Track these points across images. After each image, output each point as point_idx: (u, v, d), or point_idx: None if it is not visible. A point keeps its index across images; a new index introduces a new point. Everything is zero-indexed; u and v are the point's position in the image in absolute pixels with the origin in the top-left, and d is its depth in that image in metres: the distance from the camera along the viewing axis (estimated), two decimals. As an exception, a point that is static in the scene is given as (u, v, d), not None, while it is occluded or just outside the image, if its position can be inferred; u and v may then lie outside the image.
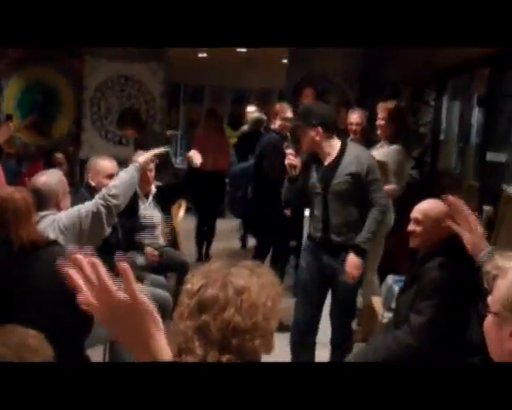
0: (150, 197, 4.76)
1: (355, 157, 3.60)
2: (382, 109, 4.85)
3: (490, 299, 1.40)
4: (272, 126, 5.47)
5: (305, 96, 5.55)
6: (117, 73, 7.03)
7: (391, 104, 4.91)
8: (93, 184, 3.79)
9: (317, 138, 3.58)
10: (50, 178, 3.20)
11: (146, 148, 4.12)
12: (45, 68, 6.96)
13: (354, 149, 3.69)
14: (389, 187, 4.64)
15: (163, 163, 5.43)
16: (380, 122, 4.85)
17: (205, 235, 6.87)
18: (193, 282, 1.43)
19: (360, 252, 3.58)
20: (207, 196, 6.58)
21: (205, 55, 10.19)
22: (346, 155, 3.61)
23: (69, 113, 7.07)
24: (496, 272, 1.40)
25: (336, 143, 3.66)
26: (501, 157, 4.72)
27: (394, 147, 4.77)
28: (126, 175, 3.36)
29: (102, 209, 3.15)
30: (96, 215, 3.14)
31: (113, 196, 3.21)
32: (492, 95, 4.77)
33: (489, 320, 1.39)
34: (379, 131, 4.89)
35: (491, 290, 1.41)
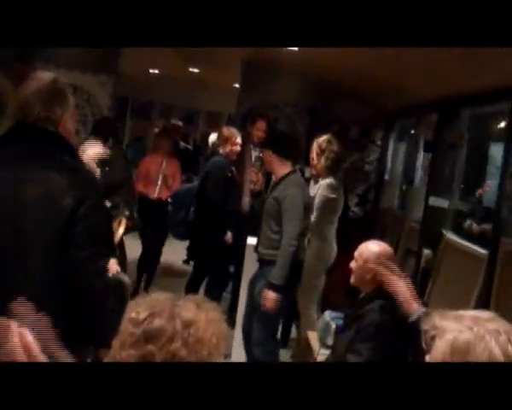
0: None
1: (284, 184, 4.05)
2: (315, 145, 4.92)
3: (428, 358, 1.43)
4: (221, 151, 5.45)
5: (257, 128, 5.58)
6: (66, 81, 6.84)
7: (322, 139, 4.93)
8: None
9: (269, 159, 4.17)
10: None
11: None
12: (-9, 70, 6.73)
13: (292, 179, 4.09)
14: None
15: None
16: (311, 156, 4.92)
17: (146, 267, 6.38)
18: (138, 311, 1.38)
19: (273, 287, 3.88)
20: (152, 225, 6.07)
21: (156, 71, 10.12)
22: (284, 181, 4.07)
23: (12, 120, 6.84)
24: (434, 332, 1.41)
25: (285, 169, 4.10)
26: (443, 203, 4.84)
27: (325, 180, 4.84)
28: None
29: None
30: None
31: None
32: (438, 141, 4.90)
33: None
34: (311, 165, 4.97)
35: (429, 350, 1.43)
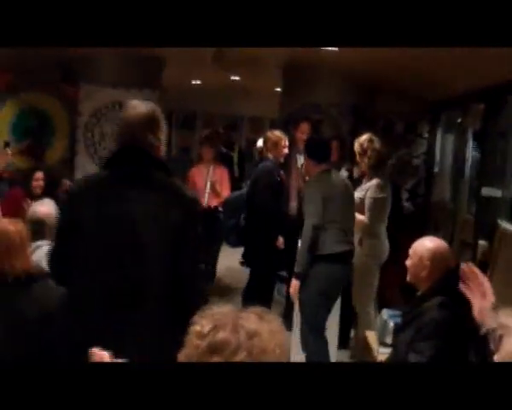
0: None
1: (308, 183, 4.50)
2: (356, 145, 4.91)
3: (496, 358, 1.40)
4: (269, 155, 5.47)
5: (301, 130, 5.58)
6: (112, 99, 7.03)
7: (362, 139, 4.91)
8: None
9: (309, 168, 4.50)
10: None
11: None
12: (39, 94, 6.98)
13: (317, 177, 4.40)
14: (360, 217, 4.72)
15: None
16: (356, 158, 4.92)
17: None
18: (202, 324, 1.41)
19: (295, 275, 4.28)
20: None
21: (198, 81, 10.24)
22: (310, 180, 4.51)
23: (63, 138, 7.07)
24: (502, 332, 1.38)
25: (317, 170, 4.42)
26: (496, 192, 4.75)
27: (373, 181, 4.82)
28: None
29: None
30: None
31: None
32: (487, 131, 4.82)
33: None
34: (358, 166, 4.96)
35: (497, 349, 1.40)
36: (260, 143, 8.82)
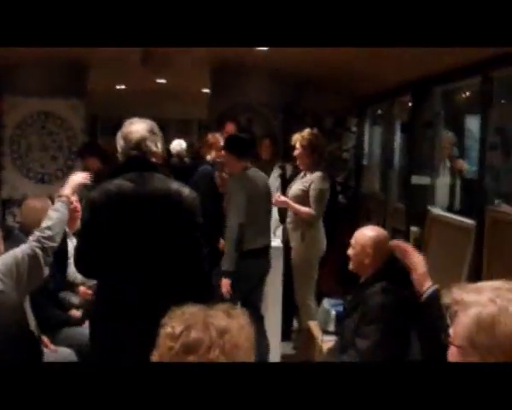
0: (78, 235, 4.66)
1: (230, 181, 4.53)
2: (298, 139, 4.96)
3: (452, 331, 1.47)
4: (208, 157, 5.48)
5: (225, 130, 5.62)
6: (37, 109, 6.85)
7: (306, 133, 4.99)
8: (30, 225, 3.70)
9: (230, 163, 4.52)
10: None
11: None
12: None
13: (238, 175, 4.45)
14: (305, 210, 4.82)
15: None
16: (297, 152, 4.96)
17: None
18: (173, 325, 1.44)
19: (223, 273, 4.36)
20: None
21: (123, 86, 10.10)
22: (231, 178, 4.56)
23: (-13, 151, 6.82)
24: (456, 307, 1.45)
25: (239, 167, 4.47)
26: (425, 180, 4.96)
27: (316, 174, 4.91)
28: (57, 213, 3.23)
29: (39, 252, 3.05)
30: (32, 258, 3.03)
31: (49, 238, 3.10)
32: (414, 122, 5.01)
33: (453, 352, 1.46)
34: (298, 161, 5.01)
35: (452, 323, 1.47)
36: (176, 145, 8.80)
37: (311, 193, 4.84)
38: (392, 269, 3.04)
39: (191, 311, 1.48)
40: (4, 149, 6.81)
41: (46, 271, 3.12)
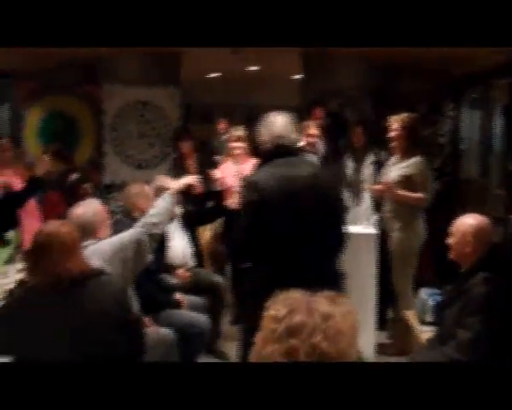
0: (176, 219, 4.81)
1: None
2: (395, 122, 4.82)
3: None
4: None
5: (314, 116, 5.57)
6: (135, 98, 7.11)
7: (404, 117, 4.85)
8: (131, 210, 3.90)
9: None
10: (86, 209, 3.25)
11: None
12: (64, 96, 7.06)
13: None
14: (416, 195, 4.68)
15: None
16: (393, 135, 4.81)
17: None
18: (277, 308, 1.47)
19: None
20: None
21: (216, 74, 10.27)
22: None
23: (90, 139, 7.16)
24: None
25: None
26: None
27: (417, 158, 4.77)
28: (164, 203, 3.41)
29: (145, 237, 3.20)
30: (138, 243, 3.19)
31: (154, 225, 3.26)
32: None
33: None
34: (393, 145, 4.86)
35: None
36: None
37: (418, 178, 4.68)
38: (494, 258, 2.96)
39: (295, 296, 1.50)
40: (105, 136, 7.12)
41: (150, 256, 3.27)
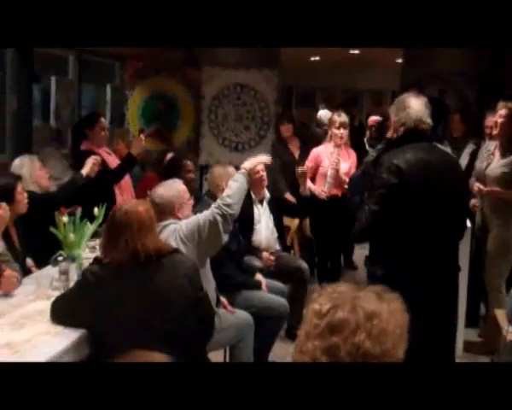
0: (265, 202, 4.84)
1: None
2: (504, 108, 4.52)
3: None
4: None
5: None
6: (233, 81, 7.20)
7: (506, 110, 4.51)
8: (215, 191, 3.98)
9: None
10: (165, 190, 3.35)
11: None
12: (165, 78, 7.28)
13: None
14: None
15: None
16: (500, 121, 4.51)
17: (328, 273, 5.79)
18: (320, 302, 1.43)
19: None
20: (327, 223, 5.51)
21: (317, 58, 10.21)
22: None
23: (188, 120, 7.35)
24: None
25: None
26: None
27: None
28: (236, 183, 3.43)
29: (219, 218, 3.26)
30: (213, 224, 3.25)
31: (228, 206, 3.30)
32: None
33: None
34: (497, 131, 4.54)
35: None
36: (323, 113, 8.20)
37: None
38: None
39: (341, 290, 1.45)
40: (203, 119, 7.28)
41: (225, 237, 3.32)
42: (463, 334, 4.67)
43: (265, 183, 4.84)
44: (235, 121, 7.27)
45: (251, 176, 5.00)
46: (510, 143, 4.53)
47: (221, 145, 7.31)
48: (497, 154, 4.62)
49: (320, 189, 5.41)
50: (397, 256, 3.01)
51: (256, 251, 4.73)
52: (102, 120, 4.95)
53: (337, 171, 5.35)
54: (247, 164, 3.55)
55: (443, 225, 3.07)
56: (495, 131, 4.59)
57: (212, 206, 3.33)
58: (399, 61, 7.85)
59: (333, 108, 9.79)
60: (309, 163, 5.36)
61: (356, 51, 9.00)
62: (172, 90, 7.30)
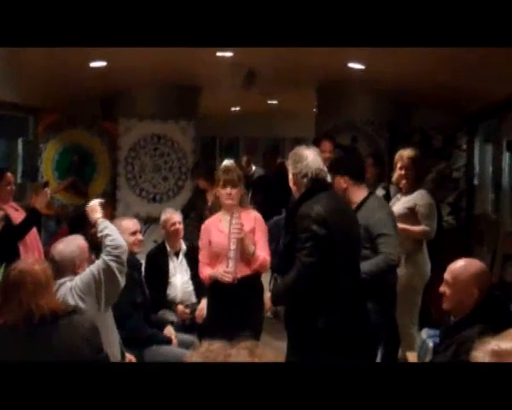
0: (181, 255, 4.78)
1: (369, 209, 3.86)
2: (402, 157, 4.74)
3: None
4: None
5: (322, 149, 5.50)
6: (150, 132, 7.18)
7: (411, 152, 4.77)
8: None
9: (344, 186, 3.94)
10: (66, 246, 3.25)
11: None
12: (80, 131, 7.17)
13: (373, 202, 3.95)
14: (418, 228, 4.57)
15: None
16: (400, 171, 4.72)
17: None
18: (195, 360, 1.41)
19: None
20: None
21: (238, 108, 10.36)
22: (364, 205, 3.90)
23: (105, 173, 7.24)
24: (492, 359, 1.34)
25: (362, 193, 3.97)
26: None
27: (420, 191, 4.68)
28: (109, 227, 3.36)
29: (111, 262, 3.18)
30: (107, 270, 3.17)
31: (115, 247, 3.22)
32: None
33: None
34: (399, 179, 4.75)
35: None
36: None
37: (421, 210, 4.58)
38: (491, 310, 2.70)
39: (214, 347, 1.43)
40: (120, 170, 7.19)
41: (122, 281, 3.23)
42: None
43: (181, 235, 4.79)
44: (153, 172, 7.22)
45: (166, 228, 4.98)
46: (411, 185, 4.71)
47: (138, 196, 7.22)
48: (402, 194, 4.80)
49: (222, 270, 3.84)
50: (336, 301, 3.22)
51: (171, 305, 4.65)
52: (8, 174, 4.80)
53: (242, 241, 3.83)
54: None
55: (356, 270, 3.37)
56: (398, 179, 4.78)
57: (101, 255, 3.25)
58: (314, 110, 8.07)
59: (255, 156, 9.97)
60: (201, 244, 4.03)
61: (274, 102, 9.19)
62: (87, 143, 7.19)
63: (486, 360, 1.38)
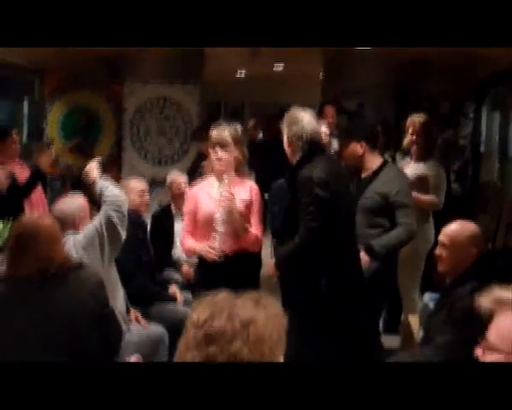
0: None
1: (389, 178, 3.76)
2: (414, 122, 4.72)
3: (492, 334, 1.37)
4: None
5: (325, 115, 5.45)
6: (155, 95, 7.14)
7: (424, 117, 4.75)
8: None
9: (361, 152, 3.82)
10: (66, 204, 3.30)
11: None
12: (87, 92, 7.13)
13: (392, 171, 3.88)
14: (427, 198, 4.56)
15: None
16: (412, 136, 4.70)
17: None
18: (198, 312, 1.41)
19: (370, 250, 3.64)
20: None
21: (243, 74, 10.26)
22: (382, 173, 3.79)
23: (110, 135, 7.22)
24: (494, 307, 1.34)
25: (377, 160, 3.88)
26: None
27: (432, 161, 4.67)
28: (106, 180, 3.39)
29: (112, 213, 3.20)
30: (108, 223, 3.19)
31: (113, 198, 3.24)
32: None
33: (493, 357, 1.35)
34: (411, 144, 4.74)
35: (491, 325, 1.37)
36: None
37: (432, 180, 4.56)
38: (484, 268, 2.78)
39: (218, 298, 1.43)
40: (125, 133, 7.17)
41: (123, 234, 3.25)
42: (384, 340, 4.73)
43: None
44: (158, 135, 7.20)
45: (172, 190, 4.99)
46: (422, 152, 4.68)
47: (144, 159, 7.21)
48: (412, 161, 4.76)
49: (206, 245, 3.40)
50: (339, 263, 3.25)
51: (176, 264, 4.68)
52: (14, 133, 4.83)
53: (231, 212, 3.36)
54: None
55: (353, 232, 3.41)
56: (408, 144, 4.75)
57: (102, 208, 3.27)
58: (320, 76, 8.00)
59: (262, 121, 9.85)
60: (186, 210, 3.56)
61: (280, 68, 9.10)
62: (94, 105, 7.16)
63: (489, 307, 1.39)
